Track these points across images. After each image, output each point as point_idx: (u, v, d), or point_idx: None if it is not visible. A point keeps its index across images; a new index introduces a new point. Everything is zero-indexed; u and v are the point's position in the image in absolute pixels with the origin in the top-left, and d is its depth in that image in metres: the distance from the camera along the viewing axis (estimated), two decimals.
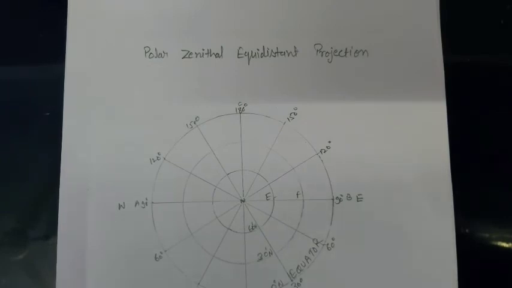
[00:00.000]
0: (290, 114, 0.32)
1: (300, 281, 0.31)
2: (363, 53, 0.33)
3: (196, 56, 0.33)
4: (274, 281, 0.31)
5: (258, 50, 0.33)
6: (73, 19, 0.33)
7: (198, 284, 0.31)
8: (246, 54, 0.33)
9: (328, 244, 0.31)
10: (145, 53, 0.33)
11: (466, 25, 0.34)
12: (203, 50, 0.33)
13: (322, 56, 0.33)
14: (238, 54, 0.33)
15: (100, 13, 0.33)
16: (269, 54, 0.33)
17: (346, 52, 0.33)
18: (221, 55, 0.33)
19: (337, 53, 0.33)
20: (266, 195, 0.32)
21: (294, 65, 0.33)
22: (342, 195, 0.32)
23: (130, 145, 0.32)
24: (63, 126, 0.32)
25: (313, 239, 0.31)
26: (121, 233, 0.31)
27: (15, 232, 0.33)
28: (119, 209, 0.31)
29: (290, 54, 0.33)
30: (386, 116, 0.32)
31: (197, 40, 0.33)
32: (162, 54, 0.33)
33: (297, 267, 0.31)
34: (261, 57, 0.33)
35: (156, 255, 0.31)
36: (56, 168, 0.32)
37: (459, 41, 0.33)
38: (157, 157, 0.32)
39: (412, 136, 0.32)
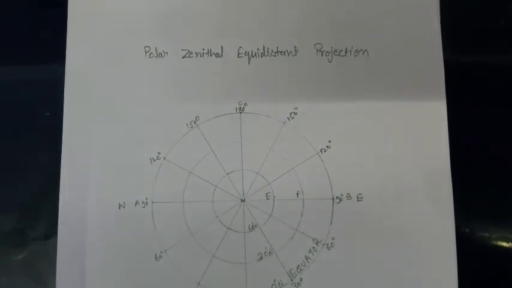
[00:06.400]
0: (290, 114, 0.32)
1: (300, 281, 0.31)
2: (363, 53, 0.33)
3: (196, 56, 0.33)
4: (274, 280, 0.31)
5: (258, 49, 0.33)
6: (73, 19, 0.33)
7: (198, 284, 0.31)
8: (246, 54, 0.33)
9: (328, 244, 0.31)
10: (146, 53, 0.33)
11: (466, 25, 0.34)
12: (203, 49, 0.33)
13: (322, 55, 0.33)
14: (238, 54, 0.33)
15: (100, 13, 0.33)
16: (269, 54, 0.33)
17: (346, 52, 0.33)
18: (221, 55, 0.33)
19: (337, 53, 0.33)
20: (266, 194, 0.32)
21: (294, 65, 0.33)
22: (342, 195, 0.32)
23: (130, 145, 0.32)
24: (63, 126, 0.32)
25: (313, 239, 0.31)
26: (121, 233, 0.31)
27: (15, 232, 0.33)
28: (119, 208, 0.31)
29: (290, 54, 0.33)
30: (386, 116, 0.32)
31: (197, 40, 0.33)
32: (162, 54, 0.33)
33: (297, 267, 0.31)
34: (261, 57, 0.33)
35: (156, 255, 0.31)
36: (56, 168, 0.32)
37: (459, 41, 0.33)
38: (157, 157, 0.32)
39: (412, 136, 0.32)
